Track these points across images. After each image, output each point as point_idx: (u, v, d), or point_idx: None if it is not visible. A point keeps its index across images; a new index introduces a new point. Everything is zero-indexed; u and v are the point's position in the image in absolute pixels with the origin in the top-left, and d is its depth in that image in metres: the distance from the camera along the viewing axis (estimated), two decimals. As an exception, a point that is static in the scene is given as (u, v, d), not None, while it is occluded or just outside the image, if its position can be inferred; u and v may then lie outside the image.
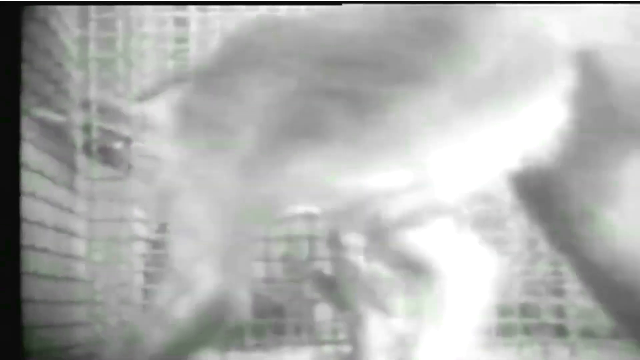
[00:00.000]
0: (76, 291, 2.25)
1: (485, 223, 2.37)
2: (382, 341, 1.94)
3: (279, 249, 2.55)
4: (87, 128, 2.40)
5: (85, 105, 2.41)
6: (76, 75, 2.37)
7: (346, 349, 2.06)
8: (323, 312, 2.49)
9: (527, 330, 2.42)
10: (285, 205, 2.59)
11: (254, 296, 2.55)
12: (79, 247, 2.31)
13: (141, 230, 2.61)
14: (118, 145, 2.57)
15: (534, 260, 2.44)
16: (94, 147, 2.27)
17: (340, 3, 1.88)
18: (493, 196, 2.26)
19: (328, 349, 2.39)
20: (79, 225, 2.32)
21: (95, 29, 2.51)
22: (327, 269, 2.07)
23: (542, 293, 2.44)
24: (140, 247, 2.63)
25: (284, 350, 2.44)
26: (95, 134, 2.45)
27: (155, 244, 2.63)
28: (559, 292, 2.45)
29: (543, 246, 2.42)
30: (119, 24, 2.55)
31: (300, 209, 2.57)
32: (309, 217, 2.50)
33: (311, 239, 2.51)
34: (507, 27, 1.57)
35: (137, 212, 2.60)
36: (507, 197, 2.39)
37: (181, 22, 2.73)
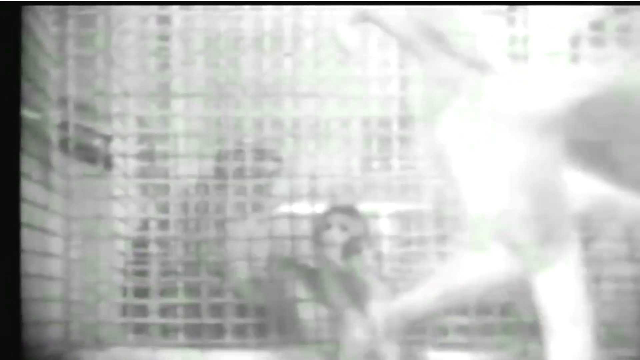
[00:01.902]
0: (51, 289, 2.23)
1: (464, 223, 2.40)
2: (362, 339, 1.96)
3: (263, 248, 2.55)
4: (64, 125, 2.38)
5: (63, 102, 2.40)
6: (54, 72, 2.35)
7: (329, 347, 2.07)
8: (307, 311, 2.50)
9: (507, 329, 2.45)
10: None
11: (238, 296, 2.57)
12: (55, 244, 2.29)
13: (121, 228, 2.60)
14: (97, 142, 2.56)
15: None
16: (71, 145, 2.25)
17: (341, 3, 1.90)
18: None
19: (311, 347, 2.40)
20: (55, 223, 2.31)
21: (74, 26, 2.48)
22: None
23: (522, 292, 2.47)
24: (120, 245, 2.62)
25: (265, 350, 2.44)
26: (73, 132, 2.44)
27: (137, 242, 2.62)
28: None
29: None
30: (99, 21, 2.53)
31: (285, 208, 2.60)
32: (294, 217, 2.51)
33: (295, 238, 2.52)
34: None
35: (117, 210, 2.59)
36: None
37: (164, 20, 2.71)
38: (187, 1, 2.61)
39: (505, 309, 2.46)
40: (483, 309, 2.45)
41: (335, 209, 2.46)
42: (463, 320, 2.44)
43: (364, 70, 2.54)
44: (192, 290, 2.51)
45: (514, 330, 2.45)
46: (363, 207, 2.56)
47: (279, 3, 2.52)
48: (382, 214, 2.55)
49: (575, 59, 2.45)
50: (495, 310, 2.47)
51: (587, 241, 2.40)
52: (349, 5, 1.70)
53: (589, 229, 2.41)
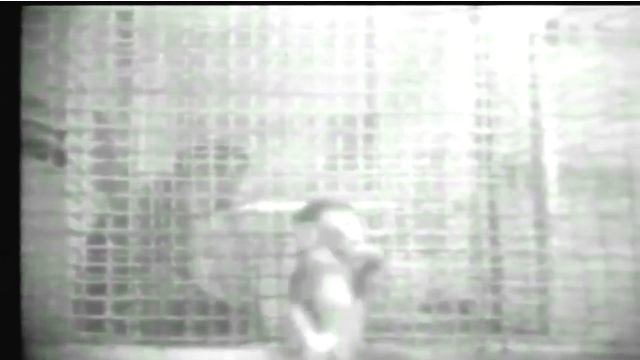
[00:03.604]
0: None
1: (427, 221, 2.44)
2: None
3: (226, 245, 2.53)
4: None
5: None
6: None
7: (292, 345, 2.05)
8: (270, 308, 2.47)
9: (465, 326, 2.48)
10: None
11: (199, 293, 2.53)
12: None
13: (74, 223, 2.54)
14: (50, 138, 2.50)
15: (475, 257, 2.51)
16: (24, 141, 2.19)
17: (338, 4, 1.92)
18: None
19: (274, 345, 2.37)
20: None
21: (27, 21, 2.43)
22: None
23: (481, 290, 2.51)
24: (73, 241, 2.55)
25: (227, 348, 2.40)
26: (26, 128, 2.37)
27: (91, 238, 2.56)
28: (496, 289, 2.52)
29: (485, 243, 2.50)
30: (54, 17, 2.49)
31: (250, 206, 2.58)
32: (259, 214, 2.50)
33: (260, 235, 2.50)
34: None
35: (71, 206, 2.53)
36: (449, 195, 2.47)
37: (125, 16, 2.68)
38: (182, 0, 2.59)
39: (465, 307, 2.49)
40: (443, 307, 2.48)
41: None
42: (424, 318, 2.45)
43: (329, 68, 2.56)
44: (152, 287, 2.46)
45: (474, 328, 2.48)
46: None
47: (282, 3, 2.53)
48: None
49: (532, 57, 2.53)
50: (455, 308, 2.49)
51: (540, 237, 2.47)
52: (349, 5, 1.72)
53: (542, 227, 2.48)
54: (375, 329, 2.35)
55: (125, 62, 2.66)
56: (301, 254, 2.05)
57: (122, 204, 2.56)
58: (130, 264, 2.52)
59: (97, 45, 2.62)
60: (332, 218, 2.03)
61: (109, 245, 2.53)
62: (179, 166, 2.64)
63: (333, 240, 2.01)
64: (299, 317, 2.00)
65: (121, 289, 2.50)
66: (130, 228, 2.55)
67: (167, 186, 2.61)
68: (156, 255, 2.52)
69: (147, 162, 2.65)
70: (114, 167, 2.59)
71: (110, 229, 2.54)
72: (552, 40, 2.46)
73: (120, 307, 2.48)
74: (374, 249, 2.05)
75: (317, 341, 1.96)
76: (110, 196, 2.57)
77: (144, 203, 2.60)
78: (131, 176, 2.58)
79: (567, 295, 2.45)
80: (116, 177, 2.55)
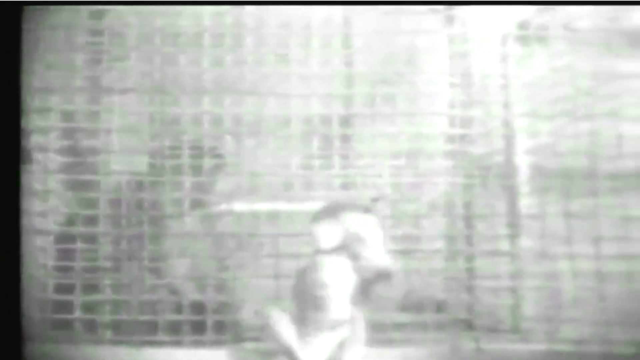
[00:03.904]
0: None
1: (402, 221, 2.46)
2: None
3: (202, 245, 2.50)
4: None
5: None
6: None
7: (268, 345, 2.04)
8: (246, 309, 2.46)
9: (440, 326, 2.50)
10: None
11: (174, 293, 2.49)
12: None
13: (41, 222, 2.49)
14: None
15: (450, 257, 2.53)
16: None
17: (337, 4, 1.92)
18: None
19: (249, 346, 2.35)
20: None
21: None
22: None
23: (455, 289, 2.53)
24: (40, 240, 2.50)
25: (203, 348, 2.37)
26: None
27: (59, 237, 2.51)
28: (470, 289, 2.55)
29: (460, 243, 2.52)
30: (25, 16, 2.44)
31: (225, 206, 2.56)
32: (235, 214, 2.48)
33: (236, 235, 2.48)
34: None
35: (37, 205, 2.48)
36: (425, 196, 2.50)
37: (96, 15, 2.65)
38: (182, 1, 2.57)
39: (440, 306, 2.51)
40: (419, 306, 2.49)
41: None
42: (400, 317, 2.46)
43: (305, 68, 2.56)
44: (124, 286, 2.42)
45: (448, 327, 2.50)
46: (304, 205, 2.56)
47: (278, 3, 2.52)
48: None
49: (504, 58, 2.57)
50: (430, 308, 2.51)
51: (513, 237, 2.51)
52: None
53: (514, 226, 2.52)
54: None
55: (95, 62, 2.63)
56: (316, 254, 1.99)
57: (92, 203, 2.52)
58: (100, 263, 2.47)
59: (66, 44, 2.58)
60: (354, 221, 1.97)
61: (79, 244, 2.48)
62: (152, 166, 2.61)
63: (352, 243, 1.97)
64: (283, 324, 1.97)
65: (91, 288, 2.45)
66: (101, 227, 2.50)
67: (139, 186, 2.57)
68: (128, 255, 2.48)
69: (120, 162, 2.61)
70: (82, 166, 2.55)
71: (79, 228, 2.49)
72: (523, 40, 2.50)
73: (90, 307, 2.43)
74: (388, 262, 2.01)
75: (305, 351, 1.94)
76: (79, 195, 2.52)
77: (115, 202, 2.56)
78: (101, 175, 2.54)
79: (537, 294, 2.49)
80: (85, 177, 2.51)
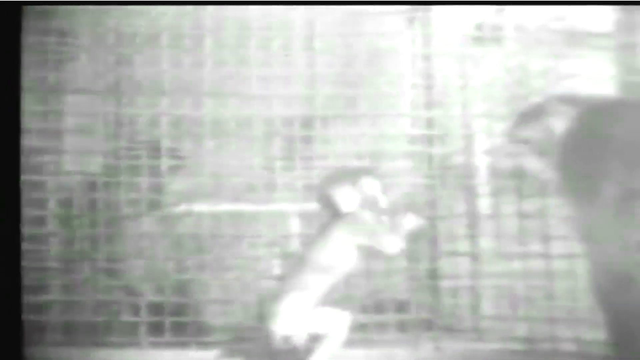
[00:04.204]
0: None
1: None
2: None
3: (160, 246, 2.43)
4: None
5: None
6: None
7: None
8: (212, 311, 2.39)
9: (401, 326, 2.50)
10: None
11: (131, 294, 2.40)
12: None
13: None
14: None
15: (412, 257, 2.54)
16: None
17: (340, 3, 1.91)
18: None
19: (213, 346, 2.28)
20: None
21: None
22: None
23: (417, 290, 2.54)
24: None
25: (161, 349, 2.29)
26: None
27: (31, 239, 2.40)
28: (431, 289, 2.57)
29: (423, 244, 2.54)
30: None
31: (185, 206, 2.50)
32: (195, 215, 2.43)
33: (196, 236, 2.42)
34: None
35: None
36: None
37: (43, 15, 2.58)
38: (184, 1, 2.52)
39: (401, 307, 2.52)
40: (379, 307, 2.49)
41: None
42: (361, 318, 2.45)
43: (267, 69, 2.56)
44: (75, 287, 2.32)
45: (409, 327, 2.50)
46: (268, 207, 2.54)
47: (277, 3, 2.50)
48: (290, 213, 2.54)
49: (462, 59, 2.64)
50: (390, 308, 2.51)
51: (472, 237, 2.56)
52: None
53: (473, 227, 2.57)
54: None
55: (43, 62, 2.55)
56: (333, 217, 1.98)
57: (40, 204, 2.41)
58: (49, 264, 2.36)
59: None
60: (370, 184, 2.02)
61: (25, 245, 2.36)
62: (106, 166, 2.53)
63: (369, 205, 2.01)
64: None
65: (39, 289, 2.33)
66: (50, 228, 2.40)
67: (93, 186, 2.49)
68: (80, 255, 2.38)
69: (72, 162, 2.52)
70: (29, 166, 2.44)
71: (26, 228, 2.37)
72: (479, 42, 2.57)
73: (37, 308, 2.31)
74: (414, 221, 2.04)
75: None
76: (26, 196, 2.41)
77: (65, 203, 2.46)
78: (50, 175, 2.44)
79: (495, 293, 2.53)
80: (33, 177, 2.41)
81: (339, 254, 1.93)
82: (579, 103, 1.91)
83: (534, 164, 1.96)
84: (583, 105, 1.90)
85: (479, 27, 2.53)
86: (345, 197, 1.96)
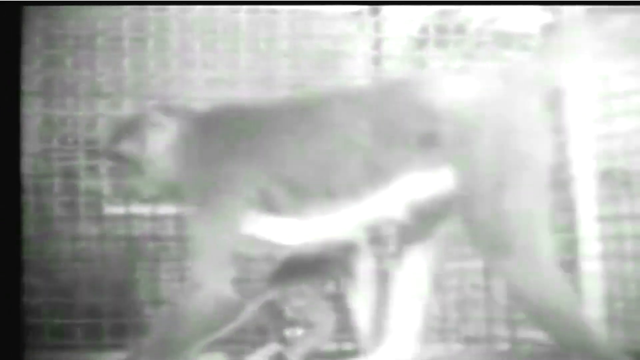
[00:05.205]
0: None
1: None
2: None
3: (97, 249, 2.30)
4: None
5: None
6: None
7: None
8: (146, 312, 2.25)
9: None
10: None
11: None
12: None
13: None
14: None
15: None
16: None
17: (337, 3, 1.89)
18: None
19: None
20: None
21: None
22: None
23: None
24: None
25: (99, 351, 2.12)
26: None
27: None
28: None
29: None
30: None
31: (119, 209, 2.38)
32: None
33: (130, 239, 2.29)
34: None
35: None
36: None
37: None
38: (185, 1, 2.44)
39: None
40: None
41: None
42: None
43: (211, 72, 2.52)
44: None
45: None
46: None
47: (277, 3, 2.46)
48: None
49: (414, 61, 2.66)
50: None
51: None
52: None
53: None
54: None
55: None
56: None
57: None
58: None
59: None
60: None
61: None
62: (36, 168, 2.40)
63: None
64: None
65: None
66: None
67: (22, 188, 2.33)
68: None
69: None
70: None
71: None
72: (424, 43, 2.61)
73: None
74: None
75: None
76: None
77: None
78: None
79: (441, 294, 2.50)
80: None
81: None
82: (179, 113, 1.86)
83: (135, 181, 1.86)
84: (184, 115, 1.85)
85: (424, 29, 2.58)
86: None
